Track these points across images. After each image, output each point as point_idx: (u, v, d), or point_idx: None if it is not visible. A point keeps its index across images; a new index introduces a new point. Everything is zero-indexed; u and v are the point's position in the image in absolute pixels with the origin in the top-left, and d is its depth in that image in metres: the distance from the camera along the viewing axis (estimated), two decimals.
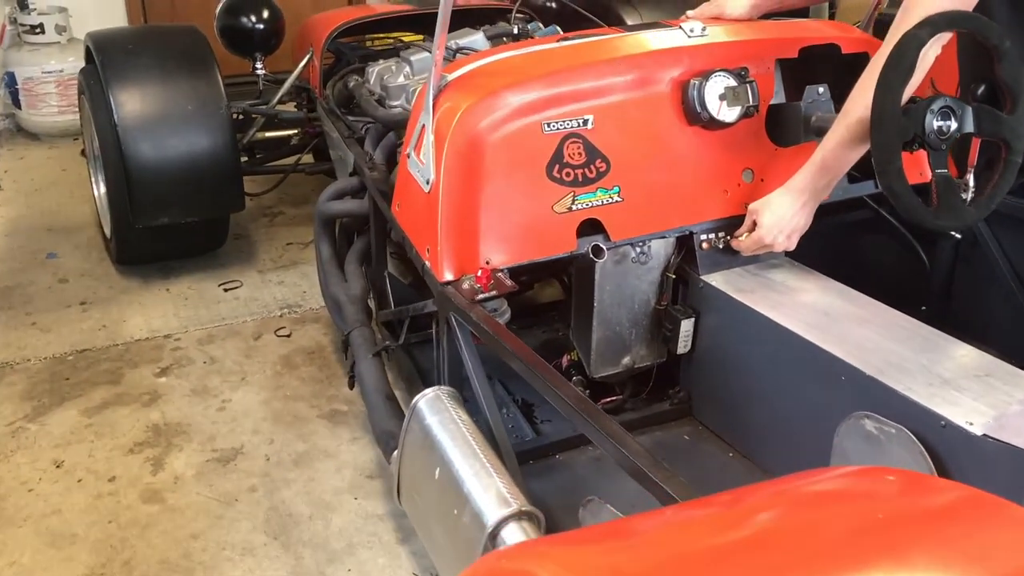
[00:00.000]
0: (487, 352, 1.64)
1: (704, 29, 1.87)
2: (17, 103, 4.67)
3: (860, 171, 1.77)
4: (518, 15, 2.77)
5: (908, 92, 1.49)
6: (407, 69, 2.31)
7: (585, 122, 1.73)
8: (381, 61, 2.61)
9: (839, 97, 1.85)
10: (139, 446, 2.18)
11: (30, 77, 4.59)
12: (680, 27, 1.88)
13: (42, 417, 2.31)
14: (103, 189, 3.09)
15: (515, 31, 2.41)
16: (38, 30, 4.57)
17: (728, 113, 1.77)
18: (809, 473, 0.88)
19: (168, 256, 3.13)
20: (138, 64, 2.79)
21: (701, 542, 0.69)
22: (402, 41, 3.18)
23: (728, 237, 1.81)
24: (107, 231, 3.12)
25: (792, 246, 1.70)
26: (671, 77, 1.80)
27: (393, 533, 1.88)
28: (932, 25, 1.47)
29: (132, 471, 2.09)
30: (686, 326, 1.82)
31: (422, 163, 1.74)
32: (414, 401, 1.53)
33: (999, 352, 1.53)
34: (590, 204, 1.71)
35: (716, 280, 1.79)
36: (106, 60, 2.78)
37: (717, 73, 1.76)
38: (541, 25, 2.52)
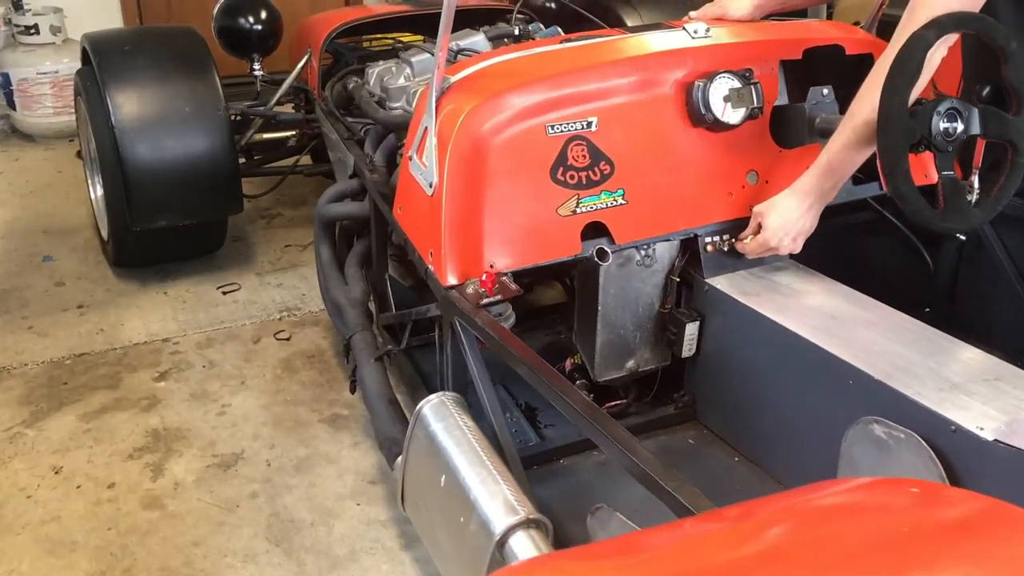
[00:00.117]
0: (490, 356, 1.63)
1: (708, 30, 1.86)
2: (12, 104, 4.64)
3: (864, 173, 1.76)
4: (518, 16, 2.75)
5: (914, 94, 1.48)
6: (408, 70, 2.29)
7: (589, 124, 1.71)
8: (381, 62, 2.60)
9: (843, 98, 1.84)
10: (138, 452, 2.16)
11: (25, 78, 4.56)
12: (684, 28, 1.86)
13: (40, 422, 2.29)
14: (100, 191, 3.07)
15: (516, 32, 2.39)
16: (33, 31, 4.54)
17: (733, 115, 1.76)
18: (824, 484, 0.86)
19: (166, 259, 3.11)
20: (135, 65, 2.77)
21: (719, 557, 0.68)
22: (401, 42, 3.16)
23: (733, 240, 1.80)
24: (104, 234, 3.09)
25: (798, 249, 1.69)
26: (675, 79, 1.78)
27: (396, 539, 1.86)
28: (939, 26, 1.46)
29: (132, 477, 2.07)
30: (691, 329, 1.81)
31: (424, 166, 1.72)
32: (418, 407, 1.51)
33: (1004, 354, 1.52)
34: (594, 207, 1.70)
35: (721, 283, 1.78)
36: (103, 61, 2.76)
37: (721, 75, 1.75)
38: (542, 26, 2.51)
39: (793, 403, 1.64)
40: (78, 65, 3.16)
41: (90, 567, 1.80)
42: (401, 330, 2.20)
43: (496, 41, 2.36)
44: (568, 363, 1.95)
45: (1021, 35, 1.51)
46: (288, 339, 2.68)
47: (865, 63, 1.93)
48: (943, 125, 1.51)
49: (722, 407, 1.84)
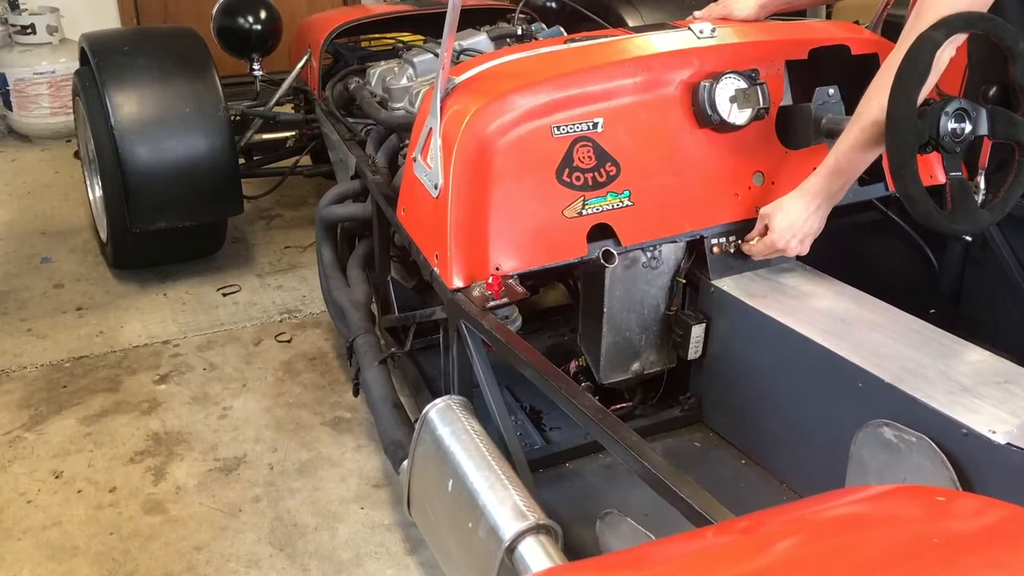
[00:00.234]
0: (495, 358, 1.62)
1: (714, 30, 1.85)
2: (8, 105, 4.62)
3: (869, 174, 1.75)
4: (519, 15, 2.74)
5: (922, 94, 1.47)
6: (410, 71, 2.28)
7: (595, 125, 1.70)
8: (382, 62, 2.58)
9: (849, 99, 1.83)
10: (139, 455, 2.15)
11: (21, 78, 4.54)
12: (689, 28, 1.85)
13: (40, 426, 2.27)
14: (99, 192, 3.05)
15: (519, 32, 2.38)
16: (29, 31, 4.51)
17: (739, 115, 1.75)
18: (842, 492, 0.85)
19: (165, 260, 3.09)
20: (135, 66, 2.75)
21: (742, 569, 0.66)
22: (401, 42, 3.15)
23: (739, 241, 1.79)
24: (103, 235, 3.07)
25: (805, 251, 1.68)
26: (681, 79, 1.77)
27: (401, 543, 1.85)
28: (947, 26, 1.45)
29: (133, 481, 2.05)
30: (697, 331, 1.80)
31: (429, 167, 1.71)
32: (425, 411, 1.50)
33: (1009, 355, 1.51)
34: (600, 209, 1.69)
35: (727, 285, 1.76)
36: (102, 62, 2.74)
37: (727, 75, 1.74)
38: (544, 26, 2.49)
39: (801, 406, 1.63)
40: (75, 65, 3.14)
41: (92, 572, 1.78)
42: (404, 332, 2.19)
43: (499, 41, 2.35)
44: (573, 365, 1.93)
45: None
46: (289, 341, 2.66)
47: (871, 63, 1.93)
48: (951, 126, 1.50)
49: (728, 410, 1.83)
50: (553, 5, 3.35)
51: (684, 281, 1.80)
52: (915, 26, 1.50)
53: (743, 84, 1.74)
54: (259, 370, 2.51)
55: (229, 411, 2.32)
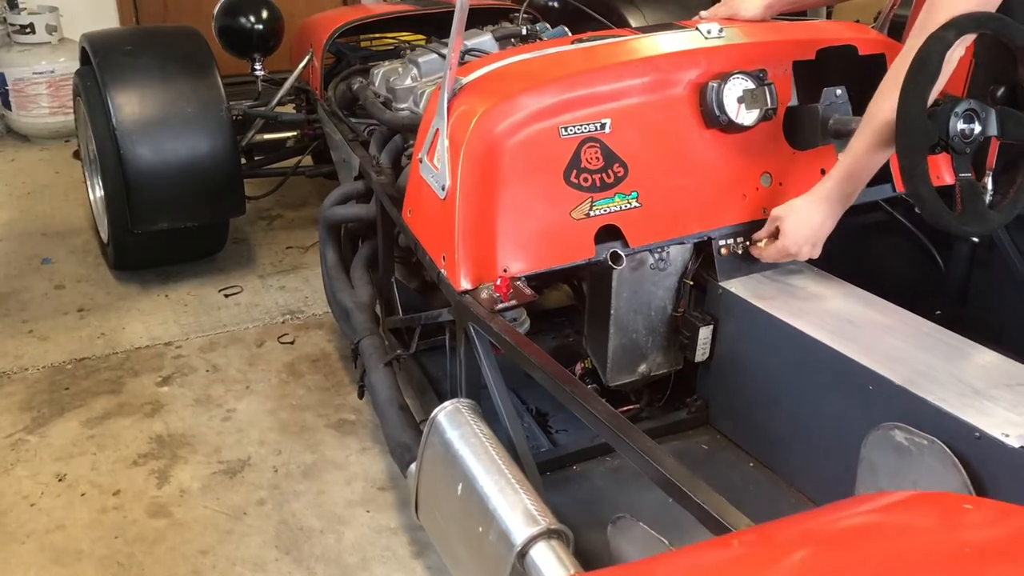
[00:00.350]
0: (502, 360, 1.61)
1: (721, 30, 1.84)
2: (7, 104, 4.60)
3: (875, 174, 1.74)
4: (523, 15, 2.73)
5: (932, 95, 1.46)
6: (414, 71, 2.27)
7: (602, 126, 1.69)
8: (386, 63, 2.57)
9: (856, 99, 1.83)
10: (143, 458, 2.13)
11: (20, 78, 4.52)
12: (697, 28, 1.84)
13: (42, 428, 2.25)
14: (100, 193, 3.04)
15: (524, 32, 2.36)
16: (28, 30, 4.49)
17: (747, 116, 1.75)
18: (864, 499, 0.84)
19: (167, 261, 3.08)
20: (137, 65, 2.74)
21: None
22: (402, 41, 3.14)
23: (747, 243, 1.78)
24: (104, 236, 3.06)
25: (817, 255, 1.68)
26: (689, 80, 1.76)
27: (407, 547, 1.84)
28: (958, 26, 1.44)
29: (137, 484, 2.04)
30: (704, 333, 1.79)
31: (436, 169, 1.70)
32: (433, 414, 1.49)
33: (1016, 356, 1.50)
34: (608, 210, 1.68)
35: (735, 286, 1.76)
36: (104, 62, 2.72)
37: (735, 75, 1.73)
38: (548, 26, 2.48)
39: (810, 408, 1.62)
40: (74, 64, 3.12)
41: None
42: (409, 334, 2.18)
43: (503, 41, 2.34)
44: (578, 367, 1.93)
45: None
46: (292, 343, 2.65)
47: (878, 64, 1.92)
48: (960, 126, 1.49)
49: (736, 412, 1.82)
50: (555, 4, 3.34)
51: (691, 283, 1.80)
52: (925, 26, 1.49)
53: (751, 85, 1.74)
54: (262, 372, 2.50)
55: (233, 413, 2.30)
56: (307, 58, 3.05)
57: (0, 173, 4.18)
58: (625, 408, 1.89)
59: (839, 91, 1.83)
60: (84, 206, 3.58)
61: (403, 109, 2.26)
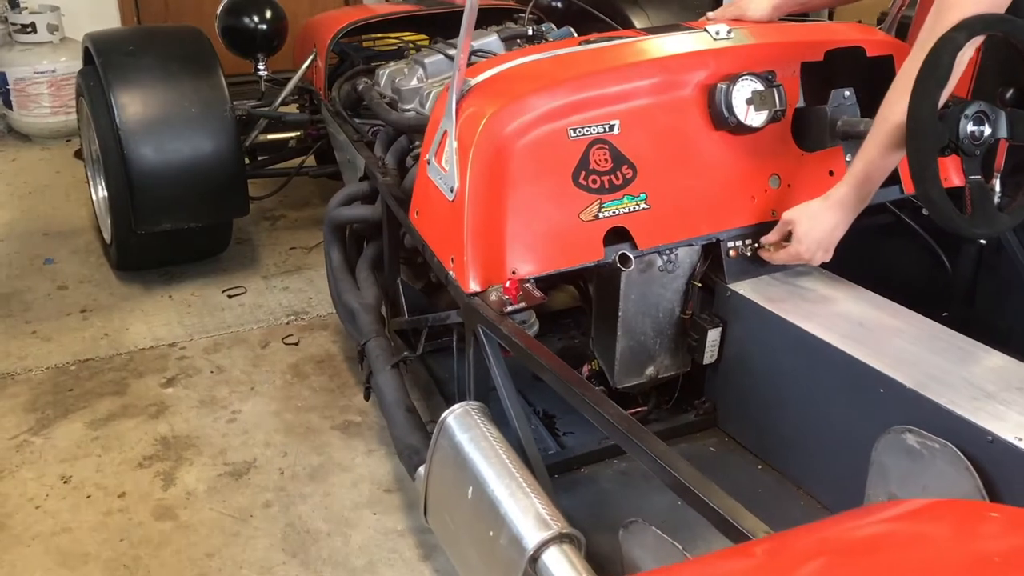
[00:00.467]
0: (510, 362, 1.60)
1: (730, 31, 1.83)
2: (8, 104, 4.58)
3: None
4: (523, 15, 2.72)
5: (943, 97, 1.45)
6: (420, 72, 2.26)
7: (611, 127, 1.69)
8: (392, 63, 2.56)
9: (864, 101, 1.82)
10: (148, 460, 2.13)
11: (22, 78, 4.50)
12: (705, 30, 1.84)
13: (47, 430, 2.25)
14: (102, 193, 3.03)
15: (530, 32, 2.36)
16: (30, 29, 4.48)
17: (755, 118, 1.74)
18: (882, 507, 0.84)
19: (169, 262, 3.07)
20: (140, 65, 2.73)
21: None
22: (405, 42, 3.13)
23: (756, 245, 1.78)
24: (107, 236, 3.05)
25: (828, 259, 1.67)
26: (697, 81, 1.76)
27: (415, 550, 1.83)
28: (968, 28, 1.44)
29: (142, 486, 2.03)
30: (712, 336, 1.78)
31: (444, 170, 1.69)
32: (443, 416, 1.48)
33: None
34: (617, 212, 1.68)
35: (744, 289, 1.75)
36: (107, 61, 2.72)
37: (744, 77, 1.73)
38: (554, 26, 2.47)
39: (820, 411, 1.61)
40: (76, 64, 3.11)
41: None
42: (414, 335, 2.17)
43: (509, 42, 2.33)
44: (585, 369, 1.92)
45: None
46: (296, 344, 2.64)
47: (886, 65, 1.91)
48: (970, 129, 1.49)
49: (745, 414, 1.82)
50: (559, 5, 3.33)
51: (699, 284, 1.79)
52: (935, 28, 1.48)
53: (760, 86, 1.73)
54: (267, 373, 2.49)
55: (238, 415, 2.30)
56: (311, 58, 3.04)
57: (1, 173, 4.17)
58: (633, 410, 1.89)
59: (847, 92, 1.83)
60: (86, 206, 3.57)
61: (409, 110, 2.25)
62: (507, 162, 1.61)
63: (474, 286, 1.60)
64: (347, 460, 2.11)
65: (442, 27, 3.01)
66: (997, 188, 1.66)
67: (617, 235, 1.68)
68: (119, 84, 2.68)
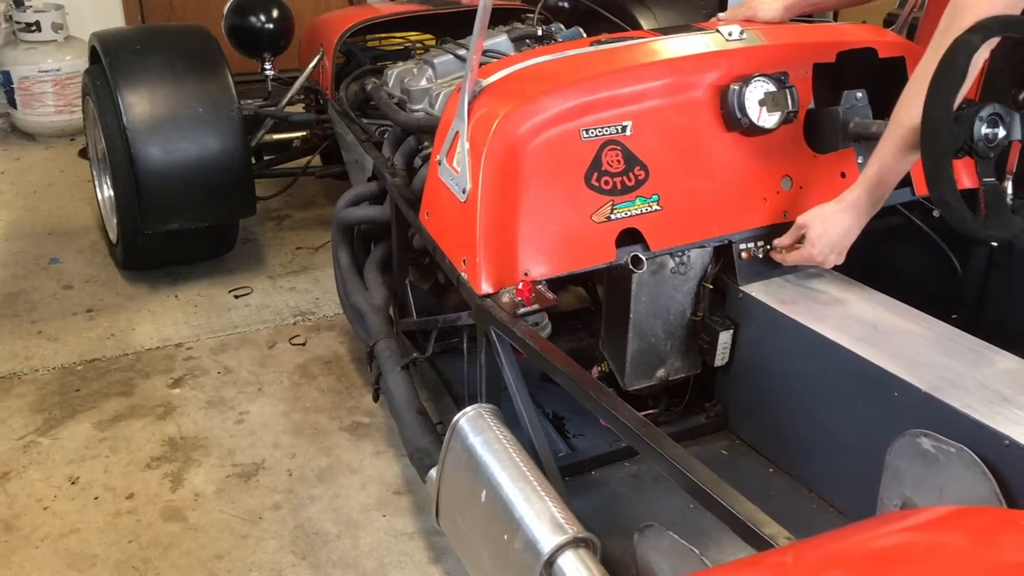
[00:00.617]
0: (520, 364, 1.60)
1: (742, 32, 1.82)
2: (13, 103, 4.58)
3: None
4: (531, 15, 2.71)
5: (957, 99, 1.45)
6: (430, 72, 2.25)
7: (623, 128, 1.68)
8: (400, 63, 2.55)
9: (876, 102, 1.81)
10: (156, 461, 2.12)
11: (26, 76, 4.50)
12: (717, 30, 1.83)
13: (54, 431, 2.24)
14: (108, 192, 3.03)
15: (539, 33, 2.35)
16: (34, 28, 4.47)
17: (768, 119, 1.74)
18: (907, 514, 0.83)
19: (175, 262, 3.07)
20: (147, 65, 2.72)
21: None
22: (410, 41, 3.12)
23: (768, 246, 1.77)
24: (112, 236, 3.04)
25: (841, 261, 1.66)
26: (710, 82, 1.75)
27: (425, 552, 1.82)
28: (984, 30, 1.43)
29: (150, 488, 2.02)
30: (724, 338, 1.78)
31: (456, 171, 1.69)
32: (455, 419, 1.47)
33: None
34: (629, 213, 1.67)
35: (756, 290, 1.74)
36: (114, 61, 2.71)
37: (757, 78, 1.72)
38: (563, 27, 2.47)
39: (833, 414, 1.61)
40: (80, 63, 3.11)
41: None
42: (423, 336, 2.16)
43: (518, 42, 2.32)
44: (595, 371, 1.91)
45: None
46: (304, 344, 2.64)
47: (897, 66, 1.91)
48: (984, 131, 1.48)
49: (756, 417, 1.81)
50: (565, 5, 3.32)
51: (711, 286, 1.78)
52: (949, 29, 1.48)
53: (772, 87, 1.73)
54: (274, 374, 2.48)
55: (246, 416, 2.29)
56: (318, 57, 3.03)
57: (6, 172, 4.16)
58: (644, 413, 1.88)
59: (859, 94, 1.82)
60: (91, 205, 3.56)
61: (418, 110, 2.24)
62: (520, 163, 1.61)
63: (486, 288, 1.59)
64: (356, 462, 2.11)
65: (447, 27, 3.01)
66: (1009, 190, 1.66)
67: (629, 236, 1.67)
68: (126, 83, 2.67)
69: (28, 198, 3.82)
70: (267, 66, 3.30)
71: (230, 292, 2.96)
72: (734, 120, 1.73)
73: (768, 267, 1.77)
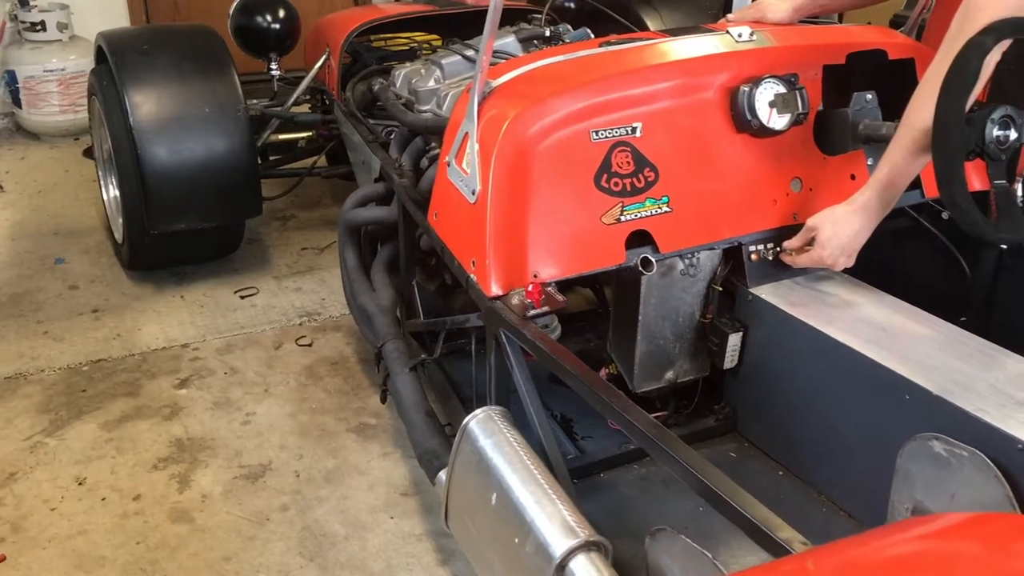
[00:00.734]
0: (530, 367, 1.59)
1: (752, 34, 1.82)
2: (18, 102, 4.58)
3: None
4: (537, 16, 2.71)
5: (969, 102, 1.44)
6: (437, 73, 2.25)
7: (633, 130, 1.68)
8: (408, 64, 2.55)
9: (886, 104, 1.81)
10: (163, 462, 2.12)
11: (31, 76, 4.49)
12: (727, 32, 1.83)
13: (60, 431, 2.24)
14: (114, 192, 3.03)
15: (547, 33, 2.35)
16: (39, 27, 4.47)
17: (778, 121, 1.73)
18: (923, 520, 0.82)
19: (181, 262, 3.06)
20: (154, 65, 2.72)
21: None
22: (416, 42, 3.12)
23: (777, 248, 1.76)
24: (118, 236, 3.04)
25: (851, 264, 1.66)
26: (720, 83, 1.75)
27: (433, 554, 1.82)
28: (997, 31, 1.42)
29: (158, 489, 2.02)
30: (733, 340, 1.77)
31: (465, 172, 1.68)
32: (465, 421, 1.47)
33: None
34: (639, 215, 1.67)
35: (766, 293, 1.74)
36: (121, 61, 2.71)
37: (767, 79, 1.72)
38: (570, 27, 2.46)
39: (843, 417, 1.60)
40: (85, 62, 3.12)
41: None
42: (430, 337, 2.16)
43: (526, 43, 2.32)
44: (603, 373, 1.91)
45: None
46: (310, 345, 2.63)
47: (907, 68, 1.90)
48: (996, 133, 1.48)
49: (765, 420, 1.81)
50: (571, 5, 3.32)
51: (720, 288, 1.78)
52: (962, 30, 1.47)
53: (782, 89, 1.72)
54: (281, 374, 2.48)
55: (252, 417, 2.29)
56: (324, 58, 3.03)
57: (11, 171, 4.16)
58: (653, 415, 1.87)
59: (869, 96, 1.82)
60: (96, 205, 3.56)
61: (426, 111, 2.24)
62: (529, 164, 1.60)
63: (496, 290, 1.59)
64: (363, 463, 2.10)
65: (453, 27, 3.00)
66: (1020, 192, 1.65)
67: (638, 238, 1.67)
68: (133, 83, 2.67)
69: (33, 198, 3.82)
70: (273, 66, 3.29)
71: (236, 293, 2.96)
72: (744, 122, 1.73)
73: (778, 269, 1.77)
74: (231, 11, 3.25)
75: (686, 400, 1.91)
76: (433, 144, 2.23)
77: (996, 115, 1.47)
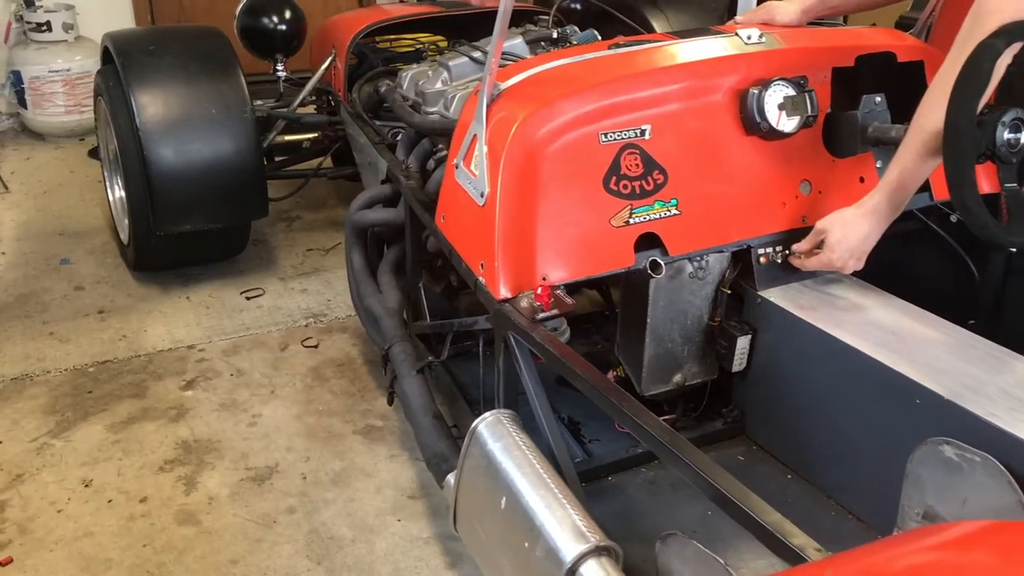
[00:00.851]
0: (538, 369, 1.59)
1: (761, 36, 1.81)
2: (23, 103, 4.58)
3: None
4: (543, 17, 2.71)
5: (980, 104, 1.44)
6: (445, 75, 2.24)
7: (642, 132, 1.67)
8: (415, 65, 2.54)
9: (895, 106, 1.80)
10: (169, 464, 2.11)
11: (36, 76, 4.50)
12: (736, 34, 1.82)
13: (67, 433, 2.24)
14: (119, 193, 3.03)
15: (555, 35, 2.34)
16: (45, 28, 4.47)
17: (787, 123, 1.73)
18: (939, 528, 0.82)
19: (187, 263, 3.06)
20: (160, 66, 2.72)
21: None
22: (422, 43, 3.12)
23: (786, 251, 1.76)
24: (124, 237, 3.04)
25: (860, 267, 1.65)
26: (729, 86, 1.74)
27: (441, 557, 1.81)
28: (1008, 34, 1.41)
29: (164, 491, 2.02)
30: (742, 343, 1.77)
31: (474, 175, 1.68)
32: (474, 424, 1.46)
33: None
34: (647, 218, 1.66)
35: (775, 296, 1.74)
36: (127, 62, 2.71)
37: (776, 82, 1.71)
38: (577, 29, 2.46)
39: (852, 421, 1.60)
40: (91, 63, 3.11)
41: None
42: (437, 339, 2.16)
43: (534, 45, 2.31)
44: (611, 376, 1.90)
45: None
46: (316, 346, 2.63)
47: (916, 70, 1.90)
48: (1007, 136, 1.47)
49: (774, 423, 1.80)
50: (577, 7, 3.31)
51: (729, 291, 1.77)
52: (972, 33, 1.47)
53: (792, 91, 1.72)
54: (287, 376, 2.48)
55: (259, 418, 2.28)
56: (330, 59, 3.02)
57: (16, 172, 4.16)
58: (663, 418, 1.87)
59: (878, 98, 1.81)
60: (101, 205, 3.57)
61: (433, 113, 2.23)
62: (538, 167, 1.60)
63: (504, 292, 1.58)
64: (370, 465, 2.10)
65: (459, 29, 3.00)
66: None
67: (647, 241, 1.66)
68: (139, 84, 2.67)
69: (38, 198, 3.82)
70: (279, 67, 3.29)
71: (242, 294, 2.95)
72: (753, 124, 1.72)
73: (787, 272, 1.76)
74: (237, 12, 3.24)
75: (694, 403, 1.91)
76: (440, 146, 2.22)
77: (1007, 118, 1.47)
